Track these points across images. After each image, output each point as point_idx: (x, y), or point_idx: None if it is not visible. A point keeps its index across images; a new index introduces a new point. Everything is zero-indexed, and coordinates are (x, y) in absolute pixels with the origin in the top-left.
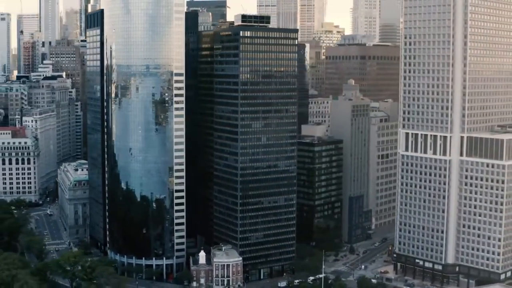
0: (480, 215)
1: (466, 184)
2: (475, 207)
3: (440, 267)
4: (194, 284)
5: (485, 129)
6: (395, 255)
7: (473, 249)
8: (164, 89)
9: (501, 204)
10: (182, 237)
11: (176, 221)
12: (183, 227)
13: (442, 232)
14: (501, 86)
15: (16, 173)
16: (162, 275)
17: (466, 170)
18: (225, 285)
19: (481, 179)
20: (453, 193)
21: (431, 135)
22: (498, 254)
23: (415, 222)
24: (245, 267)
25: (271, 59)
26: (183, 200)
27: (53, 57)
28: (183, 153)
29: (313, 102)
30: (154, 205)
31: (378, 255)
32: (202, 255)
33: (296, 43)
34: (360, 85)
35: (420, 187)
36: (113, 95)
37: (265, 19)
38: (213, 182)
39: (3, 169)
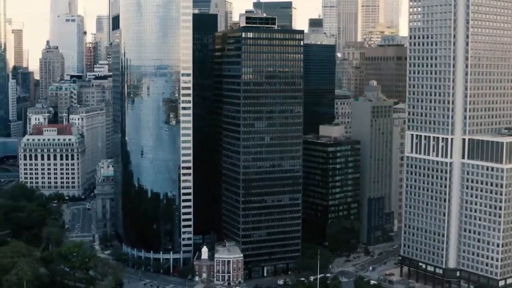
0: (480, 220)
1: (467, 188)
2: (475, 211)
3: (441, 271)
4: (197, 278)
5: (491, 131)
6: (400, 258)
7: (473, 254)
8: (174, 89)
9: (500, 209)
10: (189, 232)
11: (183, 217)
12: (190, 223)
13: (443, 235)
14: (506, 87)
15: (61, 169)
16: (169, 269)
17: (467, 173)
18: (226, 280)
19: (481, 183)
20: (454, 196)
21: (433, 136)
22: (497, 260)
23: (418, 225)
24: (247, 264)
25: (275, 59)
26: (191, 197)
27: (110, 57)
28: (191, 151)
29: (342, 103)
30: (164, 202)
31: (392, 257)
32: (204, 250)
33: (302, 43)
34: (396, 86)
35: (423, 189)
36: (126, 94)
37: (271, 20)
38: (222, 180)
39: (48, 164)
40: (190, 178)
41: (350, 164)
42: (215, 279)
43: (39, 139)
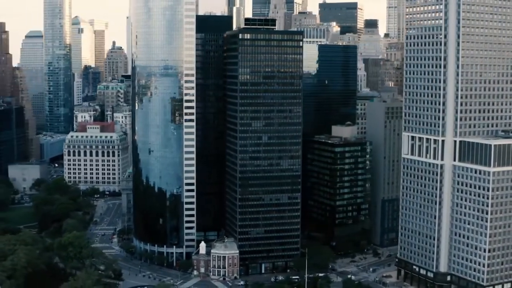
0: (469, 224)
1: (458, 191)
2: (464, 215)
3: (432, 275)
4: (195, 272)
5: (486, 133)
6: (397, 260)
7: (462, 258)
8: (179, 88)
9: (486, 213)
10: (192, 228)
11: (186, 212)
12: (193, 218)
13: (434, 239)
14: (501, 89)
15: (102, 165)
16: (173, 262)
17: (458, 176)
18: (221, 275)
19: (470, 186)
20: (445, 199)
21: (426, 138)
22: (483, 266)
23: (413, 228)
24: (244, 260)
25: (273, 60)
26: (194, 193)
27: None
28: (194, 149)
29: (364, 104)
30: (169, 198)
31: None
32: (202, 246)
33: (301, 44)
34: None
35: (417, 192)
36: (136, 94)
37: (270, 22)
38: (225, 178)
39: (91, 160)
40: (193, 175)
41: (360, 165)
42: (211, 273)
43: (82, 136)
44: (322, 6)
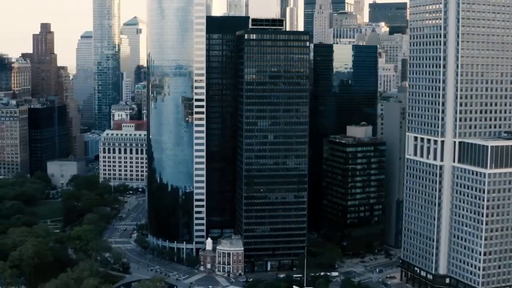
0: (466, 226)
1: (456, 192)
2: (462, 217)
3: (431, 277)
4: (202, 268)
5: (489, 134)
6: (400, 261)
7: (460, 261)
8: (191, 88)
9: (482, 216)
10: (202, 224)
11: (196, 209)
12: (203, 215)
13: (434, 240)
14: (503, 89)
15: (136, 162)
16: (182, 258)
17: (457, 177)
18: (226, 272)
19: (467, 187)
20: (445, 201)
21: (427, 139)
22: (479, 269)
23: (415, 229)
24: (250, 257)
25: (279, 60)
26: (203, 191)
27: None
28: (204, 147)
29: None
30: (181, 195)
31: None
32: (208, 242)
33: (307, 45)
34: None
35: (418, 193)
36: (150, 93)
37: (278, 22)
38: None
39: (125, 158)
40: (203, 173)
41: (373, 165)
42: (217, 269)
43: (117, 134)
44: (372, 6)
